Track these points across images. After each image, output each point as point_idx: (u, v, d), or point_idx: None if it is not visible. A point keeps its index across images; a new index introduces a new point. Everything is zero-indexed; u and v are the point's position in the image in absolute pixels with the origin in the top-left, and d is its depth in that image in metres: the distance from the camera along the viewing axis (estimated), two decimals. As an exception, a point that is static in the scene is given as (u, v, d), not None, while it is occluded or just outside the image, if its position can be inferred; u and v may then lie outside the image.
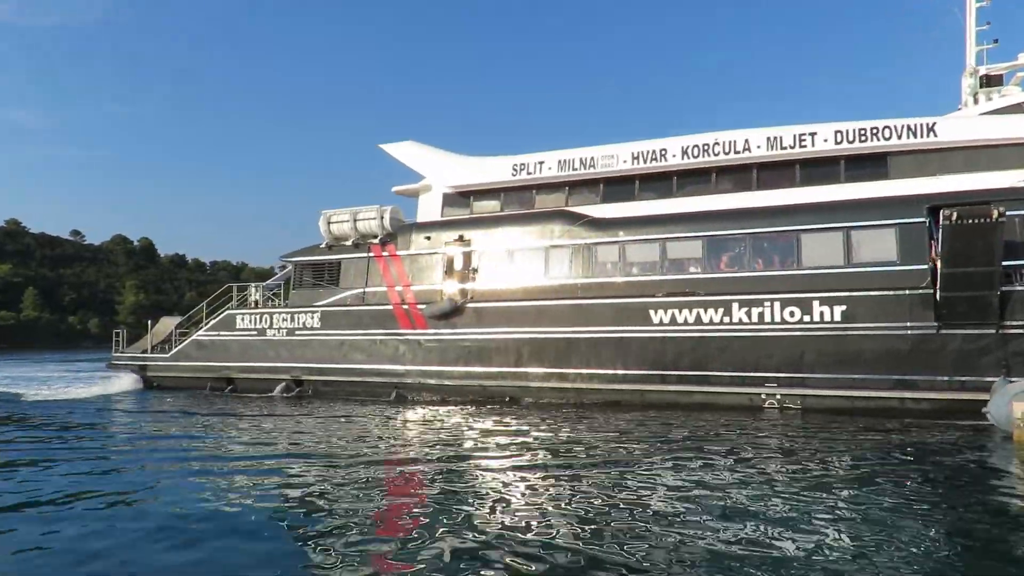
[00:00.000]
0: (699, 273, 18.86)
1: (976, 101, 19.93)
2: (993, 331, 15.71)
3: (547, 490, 9.41)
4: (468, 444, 13.59)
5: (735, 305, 17.97)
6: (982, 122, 17.86)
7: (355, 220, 23.60)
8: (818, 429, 14.57)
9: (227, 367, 25.30)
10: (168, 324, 29.41)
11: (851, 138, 18.69)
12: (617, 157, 21.22)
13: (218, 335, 25.65)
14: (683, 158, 20.39)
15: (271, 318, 24.68)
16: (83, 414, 19.06)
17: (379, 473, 10.85)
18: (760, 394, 17.73)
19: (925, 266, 16.54)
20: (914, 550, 6.67)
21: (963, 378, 15.86)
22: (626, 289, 19.44)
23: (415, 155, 24.61)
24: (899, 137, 18.31)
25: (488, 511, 8.29)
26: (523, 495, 9.23)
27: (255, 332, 24.90)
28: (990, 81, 19.59)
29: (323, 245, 24.67)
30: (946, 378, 15.97)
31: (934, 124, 18.13)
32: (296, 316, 24.15)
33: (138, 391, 25.97)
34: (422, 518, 8.01)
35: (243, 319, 25.25)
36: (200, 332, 26.19)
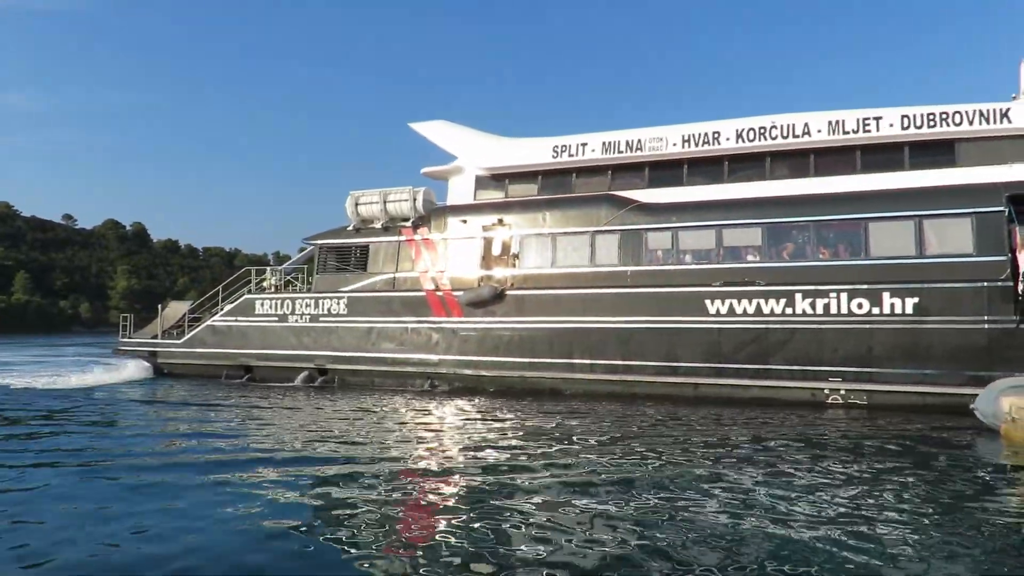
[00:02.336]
0: (759, 262, 17.96)
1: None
2: (1078, 327, 14.93)
3: (592, 506, 8.04)
4: (507, 443, 12.11)
5: (798, 296, 17.10)
6: (1060, 108, 17.02)
7: (385, 202, 22.54)
8: (850, 423, 14.17)
9: (245, 354, 24.21)
10: (179, 309, 28.29)
11: (919, 123, 17.80)
12: (666, 140, 20.25)
13: (235, 321, 24.53)
14: (737, 142, 19.44)
15: (293, 303, 23.58)
16: (102, 404, 17.94)
17: (408, 482, 9.34)
18: (823, 389, 16.88)
19: (1004, 257, 15.72)
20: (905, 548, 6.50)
21: (1044, 376, 15.05)
22: (680, 278, 18.51)
23: (447, 135, 23.54)
24: (970, 123, 17.43)
25: (523, 528, 7.15)
26: (565, 509, 7.91)
27: (276, 318, 23.81)
28: (1061, 67, 18.73)
29: (350, 227, 23.57)
30: (1026, 375, 15.17)
31: (1008, 110, 17.26)
32: (320, 302, 23.07)
33: (149, 379, 24.80)
34: (455, 539, 6.84)
35: (263, 304, 24.14)
36: (216, 317, 25.07)
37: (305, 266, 25.66)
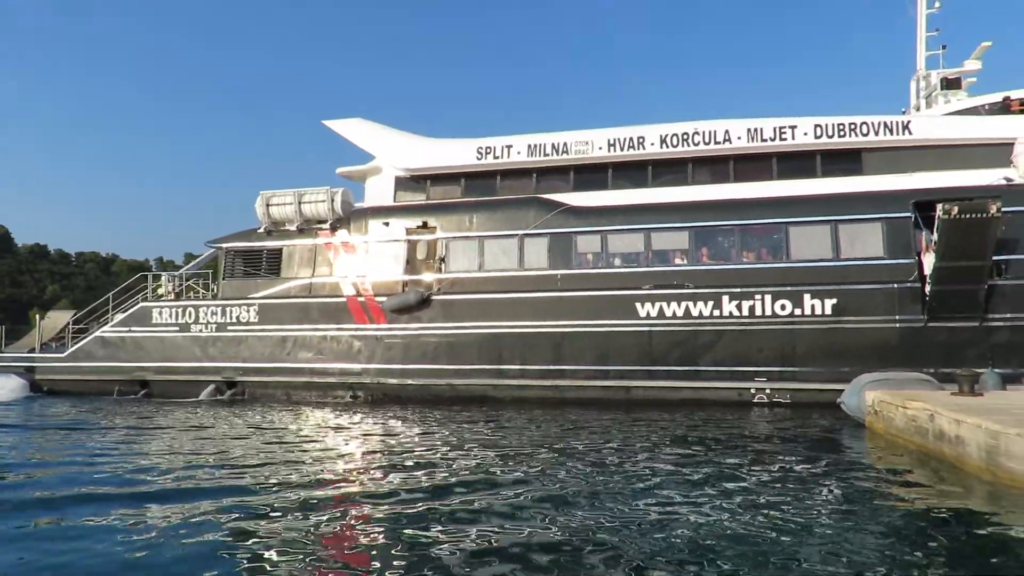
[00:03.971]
0: (687, 265, 18.26)
1: (929, 104, 20.68)
2: (977, 324, 16.07)
3: (522, 512, 7.86)
4: (434, 458, 11.29)
5: (725, 298, 17.51)
6: (952, 122, 18.34)
7: (300, 203, 21.28)
8: (703, 422, 14.75)
9: (141, 368, 22.19)
10: (59, 319, 25.65)
11: (830, 133, 18.71)
12: (592, 143, 20.28)
13: (129, 331, 22.45)
14: (661, 147, 19.74)
15: (197, 311, 21.84)
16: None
17: (322, 511, 8.08)
18: (750, 389, 17.36)
19: (912, 260, 16.73)
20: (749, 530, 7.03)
21: (948, 369, 16.09)
22: (610, 281, 18.54)
23: (365, 133, 22.59)
24: (875, 134, 18.50)
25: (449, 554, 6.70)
26: (494, 518, 7.67)
27: (177, 327, 21.97)
28: (949, 84, 20.28)
29: (260, 230, 22.11)
30: (932, 369, 16.16)
31: (909, 123, 18.45)
32: (228, 309, 21.48)
33: (25, 398, 22.15)
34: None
35: (162, 312, 22.22)
36: (106, 328, 22.84)
37: (210, 271, 23.87)
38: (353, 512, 7.99)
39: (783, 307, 17.15)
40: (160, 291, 23.78)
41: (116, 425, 15.59)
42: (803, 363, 16.93)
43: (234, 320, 21.36)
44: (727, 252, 18.24)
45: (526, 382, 18.74)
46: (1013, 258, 16.15)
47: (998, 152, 17.33)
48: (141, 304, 22.68)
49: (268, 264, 21.80)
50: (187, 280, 24.00)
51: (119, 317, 22.80)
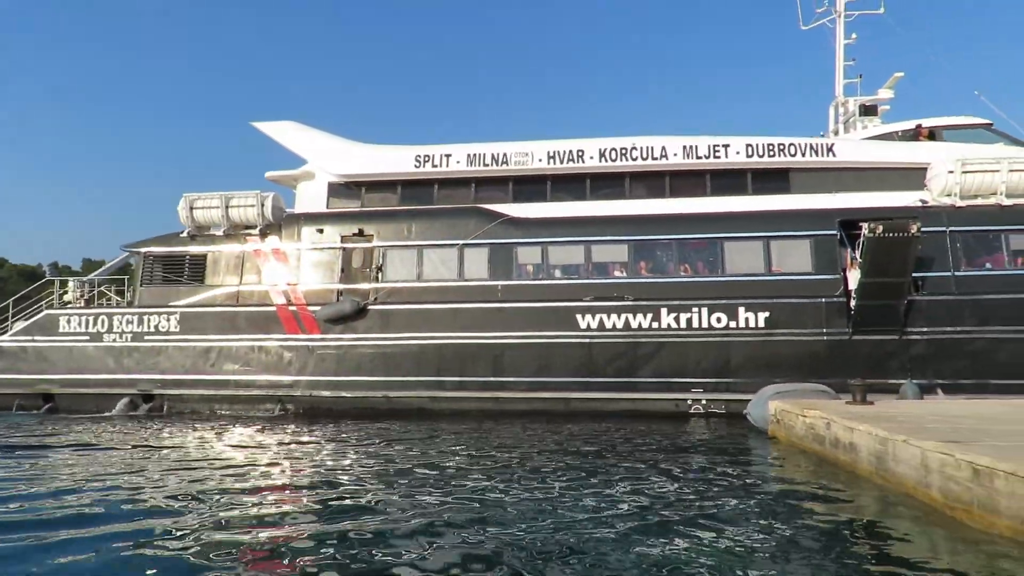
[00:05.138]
0: (626, 277, 18.48)
1: (847, 129, 21.88)
2: (897, 337, 16.98)
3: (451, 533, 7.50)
4: (364, 477, 10.67)
5: (664, 310, 17.80)
6: (872, 146, 19.41)
7: (227, 207, 20.26)
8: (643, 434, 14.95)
9: (45, 380, 20.49)
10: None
11: (760, 152, 19.44)
12: (532, 155, 20.30)
13: (32, 340, 20.72)
14: (600, 160, 19.99)
15: (110, 320, 20.40)
16: None
17: (242, 539, 7.31)
18: (687, 399, 17.68)
19: (838, 276, 17.53)
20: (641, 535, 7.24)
21: (872, 380, 16.88)
22: (551, 292, 18.52)
23: (297, 137, 21.81)
24: (802, 154, 19.35)
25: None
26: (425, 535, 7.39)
27: (87, 337, 20.44)
28: (867, 111, 21.51)
29: (183, 234, 20.91)
30: (857, 380, 16.91)
31: (832, 145, 19.41)
32: (146, 318, 20.17)
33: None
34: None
35: (70, 321, 20.63)
36: (5, 337, 21.01)
37: (125, 277, 22.35)
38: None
39: (719, 320, 17.60)
40: (66, 297, 22.11)
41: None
42: (737, 374, 17.39)
43: (152, 329, 20.06)
44: (665, 265, 18.59)
45: (465, 394, 18.43)
46: (929, 275, 17.18)
47: (914, 175, 18.44)
48: (47, 312, 20.99)
49: (191, 270, 20.62)
50: (98, 286, 22.39)
51: (20, 325, 21.02)
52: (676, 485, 9.76)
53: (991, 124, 19.72)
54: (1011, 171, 17.36)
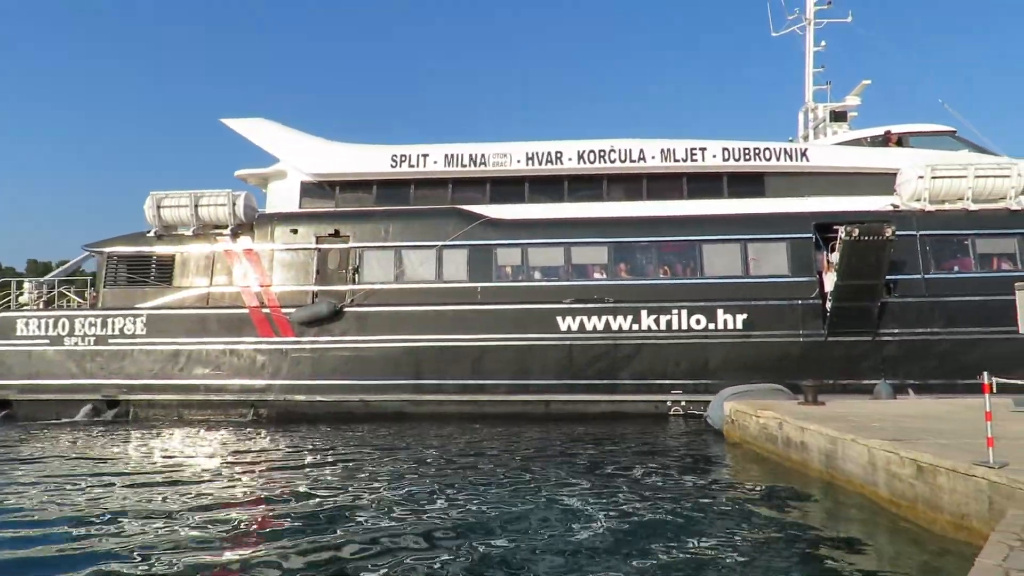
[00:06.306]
0: (606, 279, 18.48)
1: (816, 135, 22.28)
2: (870, 338, 17.33)
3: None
4: (341, 479, 10.65)
5: (644, 312, 17.86)
6: (844, 151, 19.75)
7: (197, 206, 19.64)
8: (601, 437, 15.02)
9: (1, 386, 19.59)
10: None
11: (736, 156, 19.63)
12: (510, 156, 20.16)
13: (-14, 344, 19.79)
14: (579, 162, 19.95)
15: (71, 323, 19.60)
16: None
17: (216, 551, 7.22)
18: (666, 401, 17.75)
19: (814, 278, 17.81)
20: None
21: (846, 381, 17.24)
22: (532, 294, 18.42)
23: (268, 135, 21.28)
24: (777, 159, 19.62)
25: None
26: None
27: (47, 340, 19.61)
28: (837, 116, 21.95)
29: (150, 233, 20.21)
30: (832, 381, 17.22)
31: (806, 150, 19.73)
32: (110, 320, 19.43)
33: None
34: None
35: (28, 324, 19.75)
36: (-43, 340, 20.01)
37: (88, 279, 21.51)
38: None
39: (698, 322, 17.72)
40: (22, 299, 21.19)
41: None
42: (716, 376, 17.51)
43: (117, 332, 19.34)
44: (645, 268, 18.65)
45: (444, 397, 18.20)
46: (900, 278, 17.58)
47: (884, 180, 18.86)
48: (2, 314, 20.07)
49: (159, 271, 19.95)
50: (58, 287, 21.51)
51: (-28, 328, 20.05)
52: (625, 490, 9.73)
53: (955, 131, 20.29)
54: (977, 177, 17.89)
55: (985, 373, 7.81)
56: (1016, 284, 11.39)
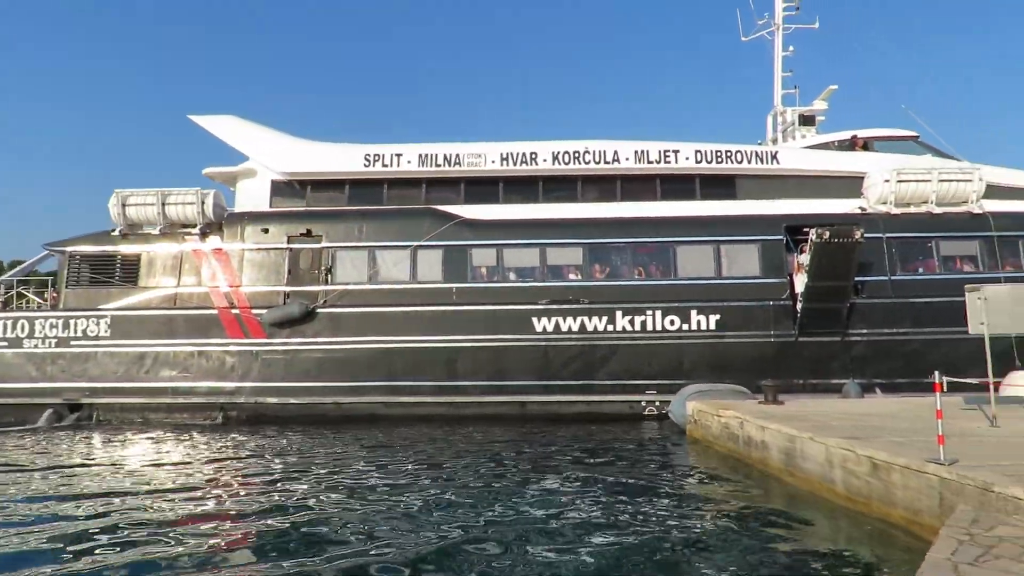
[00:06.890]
0: (581, 280, 18.53)
1: (785, 138, 22.66)
2: (839, 339, 17.67)
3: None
4: (315, 485, 10.32)
5: (619, 313, 17.95)
6: (813, 155, 20.11)
7: (164, 204, 19.20)
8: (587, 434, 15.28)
9: (-44, 390, 18.88)
10: None
11: (709, 158, 19.85)
12: (485, 156, 20.10)
13: (-60, 347, 19.05)
14: (553, 163, 19.98)
15: (31, 324, 18.98)
16: None
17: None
18: (640, 401, 17.86)
19: (784, 280, 18.10)
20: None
21: (816, 380, 17.56)
22: (507, 295, 18.37)
23: (238, 132, 20.89)
24: (748, 161, 19.89)
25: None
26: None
27: (5, 343, 18.97)
28: (806, 120, 22.34)
29: (115, 232, 19.68)
30: (802, 380, 17.54)
31: (776, 153, 20.04)
32: (72, 322, 18.86)
33: None
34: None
35: (-15, 325, 19.06)
36: (-92, 343, 19.23)
37: (50, 279, 20.84)
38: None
39: (672, 322, 17.88)
40: (-22, 299, 20.45)
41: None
42: (689, 376, 17.67)
43: (79, 334, 18.78)
44: (620, 269, 18.74)
45: (419, 399, 18.07)
46: (868, 279, 17.97)
47: (852, 183, 19.26)
48: (-43, 315, 19.33)
49: (123, 271, 19.43)
50: (16, 288, 20.81)
51: (-75, 330, 19.28)
52: (590, 489, 9.78)
53: (917, 136, 20.80)
54: (941, 181, 18.38)
55: (936, 372, 8.03)
56: (966, 287, 11.68)
